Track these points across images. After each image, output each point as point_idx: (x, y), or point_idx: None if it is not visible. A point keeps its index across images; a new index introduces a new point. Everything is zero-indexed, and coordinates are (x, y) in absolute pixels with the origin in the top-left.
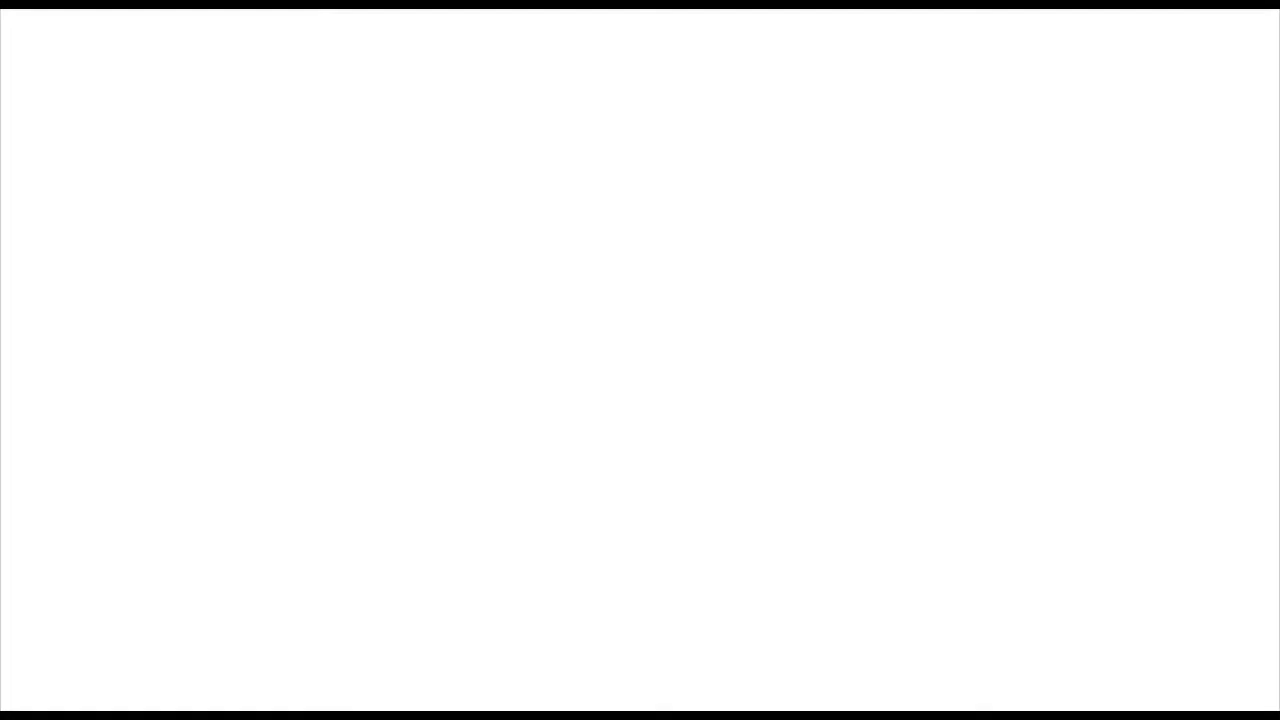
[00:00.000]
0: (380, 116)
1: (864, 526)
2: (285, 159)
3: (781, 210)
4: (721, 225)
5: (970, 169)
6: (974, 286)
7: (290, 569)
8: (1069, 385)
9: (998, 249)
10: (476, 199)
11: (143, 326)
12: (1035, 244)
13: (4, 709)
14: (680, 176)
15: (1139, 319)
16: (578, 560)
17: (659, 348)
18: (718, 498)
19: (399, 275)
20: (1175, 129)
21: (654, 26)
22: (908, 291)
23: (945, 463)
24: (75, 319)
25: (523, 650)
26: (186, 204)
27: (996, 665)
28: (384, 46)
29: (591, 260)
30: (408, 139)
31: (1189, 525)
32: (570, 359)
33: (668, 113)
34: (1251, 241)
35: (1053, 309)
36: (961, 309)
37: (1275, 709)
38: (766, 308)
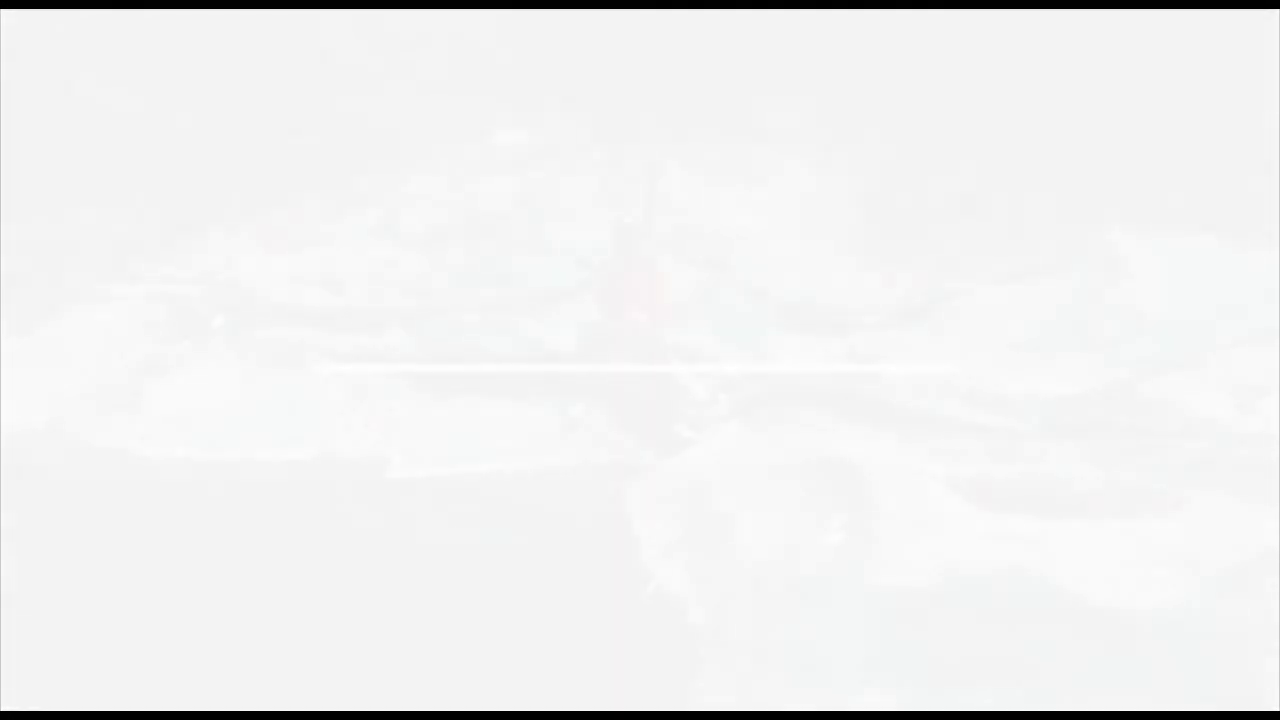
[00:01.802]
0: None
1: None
2: (281, 157)
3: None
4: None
5: (969, 168)
6: (974, 288)
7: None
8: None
9: (997, 248)
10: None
11: (140, 323)
12: (1034, 240)
13: (4, 709)
14: (677, 175)
15: (1138, 316)
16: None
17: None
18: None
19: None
20: (1175, 128)
21: (653, 25)
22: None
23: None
24: (73, 316)
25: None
26: (185, 202)
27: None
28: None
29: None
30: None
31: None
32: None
33: (664, 111)
34: (1252, 240)
35: (1051, 305)
36: (961, 312)
37: (1275, 709)
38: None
